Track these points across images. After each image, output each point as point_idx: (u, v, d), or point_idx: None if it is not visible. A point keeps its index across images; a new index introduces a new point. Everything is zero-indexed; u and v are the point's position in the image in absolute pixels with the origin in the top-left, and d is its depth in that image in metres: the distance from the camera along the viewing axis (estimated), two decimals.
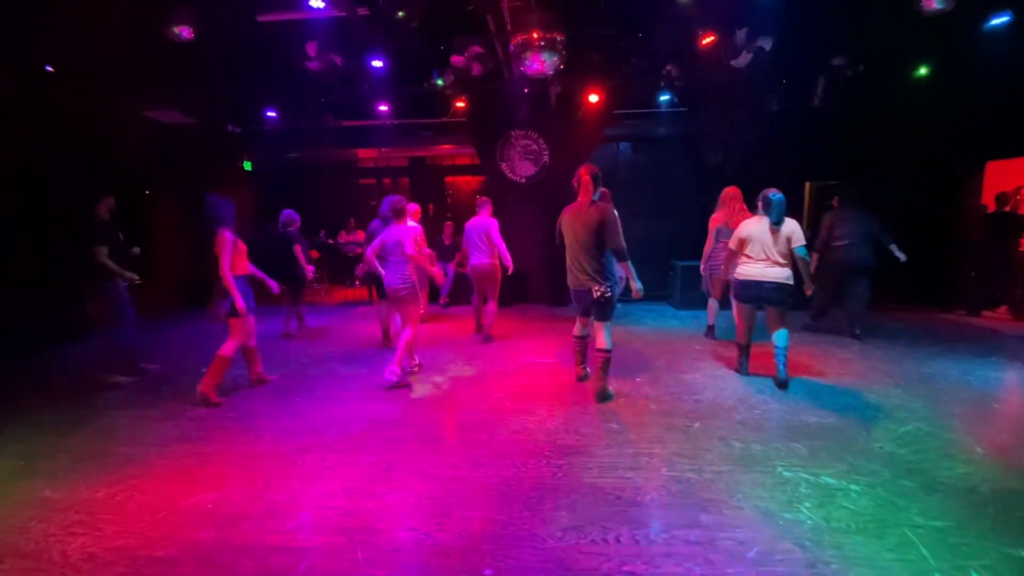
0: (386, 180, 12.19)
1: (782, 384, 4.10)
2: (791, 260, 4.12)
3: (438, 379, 4.51)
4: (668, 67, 6.51)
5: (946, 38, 5.85)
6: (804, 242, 4.09)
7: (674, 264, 7.49)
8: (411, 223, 4.75)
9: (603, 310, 3.85)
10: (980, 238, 6.79)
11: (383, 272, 4.47)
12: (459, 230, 8.51)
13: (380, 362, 5.02)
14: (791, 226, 4.09)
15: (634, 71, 6.46)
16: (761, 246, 4.11)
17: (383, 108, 7.71)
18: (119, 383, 4.49)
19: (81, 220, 4.88)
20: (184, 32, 4.88)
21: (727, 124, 7.01)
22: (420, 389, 4.26)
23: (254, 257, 4.32)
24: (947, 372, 4.46)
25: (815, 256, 5.58)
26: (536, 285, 8.10)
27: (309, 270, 6.25)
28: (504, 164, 8.01)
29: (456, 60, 5.86)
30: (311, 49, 5.63)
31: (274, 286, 4.48)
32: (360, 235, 9.72)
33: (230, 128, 8.19)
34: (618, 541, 2.23)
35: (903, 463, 2.86)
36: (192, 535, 2.32)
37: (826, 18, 5.58)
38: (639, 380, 4.36)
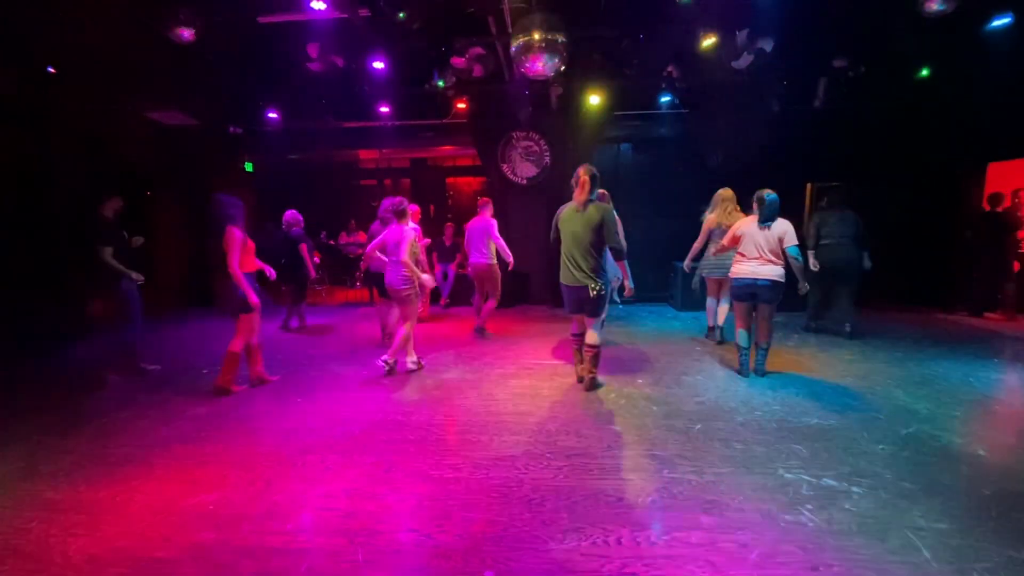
0: (387, 181, 12.21)
1: (762, 373, 4.39)
2: (784, 259, 4.24)
3: (439, 380, 4.50)
4: (669, 68, 6.50)
5: (948, 39, 5.85)
6: (796, 242, 4.20)
7: (675, 265, 7.49)
8: (412, 225, 4.80)
9: (596, 307, 3.98)
10: (974, 238, 6.81)
11: (385, 270, 4.56)
12: (460, 231, 8.56)
13: (379, 364, 5.02)
14: (784, 226, 4.21)
15: (635, 72, 6.46)
16: (755, 244, 4.24)
17: (384, 109, 7.72)
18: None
19: (84, 220, 4.94)
20: (185, 33, 4.89)
21: (728, 125, 7.01)
22: (421, 390, 4.25)
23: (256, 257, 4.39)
24: (949, 374, 4.45)
25: (810, 254, 5.72)
26: (537, 286, 8.10)
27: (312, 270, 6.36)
28: (505, 165, 8.01)
29: (457, 61, 5.87)
30: (312, 50, 5.63)
31: (271, 272, 4.55)
32: (361, 236, 9.73)
33: (231, 129, 8.19)
34: (619, 543, 2.22)
35: (905, 465, 2.85)
36: (193, 536, 2.32)
37: (827, 19, 5.58)
38: (640, 382, 4.36)
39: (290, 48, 5.76)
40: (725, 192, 5.30)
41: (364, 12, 5.17)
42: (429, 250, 7.11)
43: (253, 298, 4.04)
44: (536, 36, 4.61)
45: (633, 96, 7.30)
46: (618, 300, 5.78)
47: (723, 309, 5.48)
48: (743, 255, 4.31)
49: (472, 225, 6.00)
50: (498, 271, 6.01)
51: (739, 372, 4.50)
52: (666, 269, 7.76)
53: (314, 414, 3.75)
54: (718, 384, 4.27)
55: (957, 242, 7.15)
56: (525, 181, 7.97)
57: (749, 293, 4.31)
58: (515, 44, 4.81)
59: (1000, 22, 5.52)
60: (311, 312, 7.40)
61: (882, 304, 7.48)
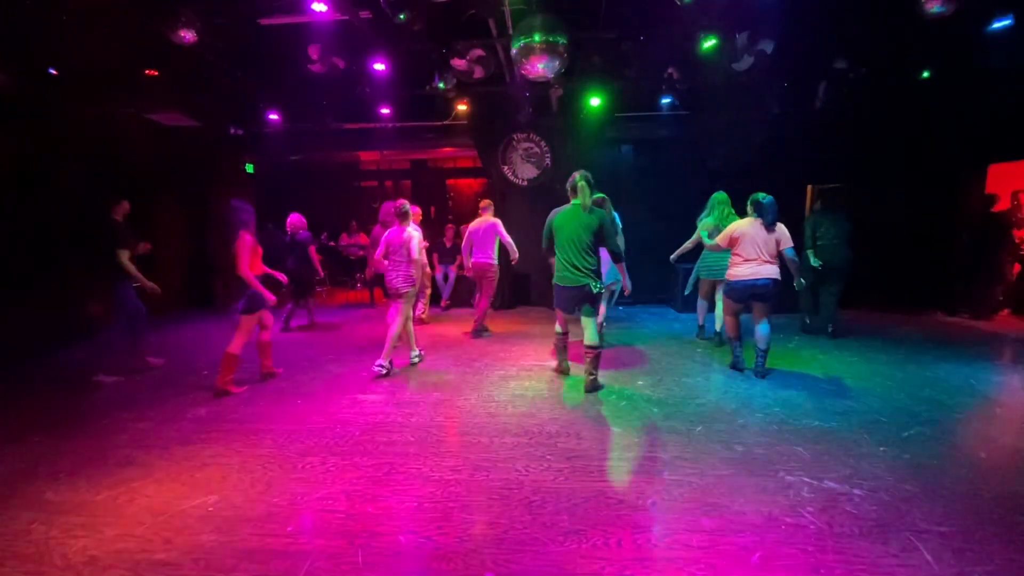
0: (388, 183, 12.22)
1: (763, 374, 4.42)
2: (779, 260, 4.41)
3: (439, 382, 4.50)
4: (670, 70, 6.51)
5: (949, 41, 5.85)
6: (792, 244, 4.38)
7: (676, 267, 7.48)
8: (414, 227, 4.85)
9: (594, 306, 4.19)
10: (972, 240, 6.82)
11: (387, 272, 4.69)
12: (460, 233, 8.57)
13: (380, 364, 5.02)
14: (782, 228, 4.38)
15: (635, 74, 6.45)
16: (754, 246, 4.32)
17: (385, 111, 7.73)
18: (104, 382, 4.58)
19: (84, 221, 4.98)
20: (187, 35, 4.90)
21: (729, 127, 7.01)
22: (421, 392, 4.25)
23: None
24: (950, 376, 4.45)
25: (810, 253, 5.88)
26: (537, 287, 8.10)
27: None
28: (506, 167, 8.02)
29: (458, 63, 5.87)
30: (313, 52, 5.64)
31: (283, 278, 4.68)
32: (362, 237, 9.74)
33: (232, 130, 8.20)
34: (619, 545, 2.22)
35: (906, 467, 2.85)
36: (193, 538, 2.32)
37: (828, 21, 5.58)
38: (641, 383, 4.35)
39: (291, 50, 5.76)
40: (720, 195, 5.38)
41: (365, 14, 5.18)
42: (429, 252, 7.15)
43: (270, 296, 4.26)
44: (536, 38, 4.62)
45: (633, 98, 7.30)
46: (618, 304, 5.85)
47: (719, 314, 5.49)
48: (741, 256, 4.37)
49: (476, 227, 6.13)
50: (497, 272, 6.19)
51: (735, 366, 4.59)
52: (667, 271, 7.76)
53: (314, 416, 3.75)
54: (719, 386, 4.26)
55: (956, 244, 7.15)
56: (526, 182, 7.98)
57: (749, 294, 4.38)
58: (515, 46, 4.81)
59: (1000, 24, 5.52)
60: (303, 318, 7.40)
61: (883, 306, 7.47)
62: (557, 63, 4.77)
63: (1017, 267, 6.83)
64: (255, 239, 4.25)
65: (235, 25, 5.49)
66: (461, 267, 8.19)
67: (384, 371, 4.62)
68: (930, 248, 7.36)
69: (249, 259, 4.15)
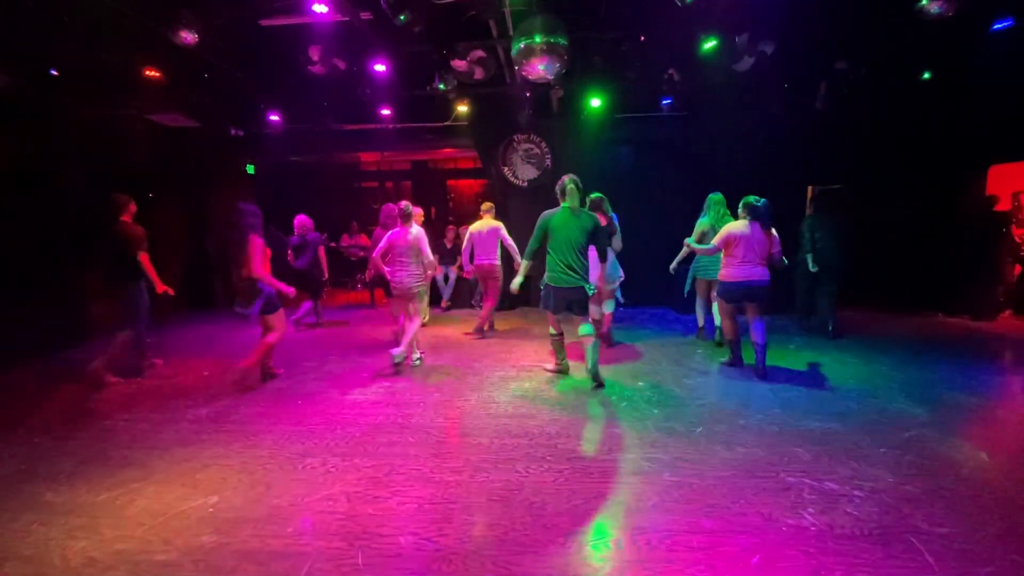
0: (388, 184, 12.23)
1: (763, 374, 4.44)
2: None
3: (439, 383, 4.50)
4: (670, 71, 6.50)
5: (949, 42, 5.85)
6: (780, 247, 4.55)
7: (678, 268, 7.47)
8: (418, 228, 4.96)
9: (587, 305, 4.37)
10: (971, 240, 6.82)
11: (394, 271, 4.79)
12: (460, 234, 8.57)
13: (381, 366, 5.03)
14: (773, 232, 4.49)
15: (636, 75, 6.45)
16: (748, 248, 4.40)
17: (385, 112, 7.73)
18: (111, 381, 4.60)
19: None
20: (187, 36, 4.90)
21: (729, 128, 7.01)
22: (421, 393, 4.25)
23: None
24: (951, 377, 4.44)
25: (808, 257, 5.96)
26: (538, 289, 8.08)
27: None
28: (506, 168, 8.02)
29: (458, 64, 5.87)
30: (314, 53, 5.64)
31: (290, 291, 4.67)
32: (363, 239, 9.74)
33: (233, 131, 8.20)
34: (620, 547, 2.22)
35: (907, 469, 2.84)
36: (192, 539, 2.32)
37: (828, 22, 5.58)
38: (641, 384, 4.35)
39: (292, 51, 5.77)
40: (716, 196, 5.43)
41: (366, 15, 5.19)
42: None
43: (287, 289, 4.46)
44: (537, 39, 4.62)
45: (634, 99, 7.30)
46: (620, 305, 5.88)
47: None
48: (736, 258, 4.45)
49: (479, 230, 6.25)
50: (502, 273, 6.31)
51: (732, 364, 4.67)
52: (667, 272, 7.74)
53: (314, 417, 3.75)
54: (719, 387, 4.26)
55: (960, 244, 7.14)
56: (526, 183, 7.98)
57: (743, 295, 4.48)
58: (516, 47, 4.82)
59: (1001, 25, 5.52)
60: (309, 317, 7.41)
61: (884, 307, 7.47)
62: (557, 64, 4.77)
63: (1018, 268, 6.82)
64: (264, 241, 4.35)
65: (236, 26, 5.50)
66: (461, 268, 8.20)
67: (398, 361, 4.74)
68: (931, 249, 7.35)
69: (261, 260, 4.27)
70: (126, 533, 2.38)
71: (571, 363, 4.70)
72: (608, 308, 5.77)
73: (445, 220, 10.69)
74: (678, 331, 6.44)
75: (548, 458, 3.03)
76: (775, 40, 5.37)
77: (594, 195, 5.64)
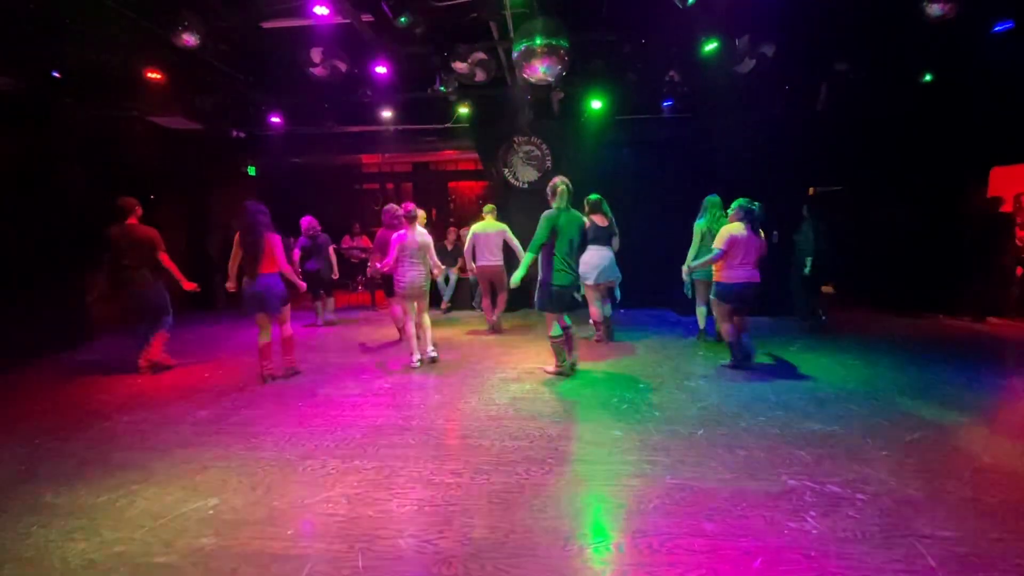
0: (389, 185, 12.24)
1: (750, 368, 4.71)
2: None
3: (440, 384, 4.50)
4: (671, 73, 6.51)
5: (950, 44, 5.85)
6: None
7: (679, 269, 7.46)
8: (422, 229, 5.06)
9: (578, 305, 4.60)
10: (974, 242, 6.80)
11: (403, 272, 4.88)
12: (460, 236, 8.58)
13: (381, 368, 5.03)
14: (760, 234, 4.61)
15: (637, 77, 6.47)
16: (746, 251, 4.53)
17: (387, 114, 7.75)
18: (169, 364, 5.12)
19: (89, 225, 5.17)
20: (189, 39, 4.92)
21: (730, 130, 7.01)
22: (421, 395, 4.25)
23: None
24: (953, 379, 4.42)
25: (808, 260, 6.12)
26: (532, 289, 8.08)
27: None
28: (507, 169, 8.02)
29: (459, 66, 5.88)
30: (315, 55, 5.65)
31: (303, 286, 5.07)
32: (364, 241, 9.75)
33: (234, 133, 8.23)
34: (620, 550, 2.21)
35: (910, 472, 2.83)
36: (192, 542, 2.31)
37: (829, 24, 5.58)
38: (642, 386, 4.34)
39: (293, 53, 5.78)
40: (713, 198, 5.47)
41: (367, 17, 5.20)
42: None
43: (302, 284, 4.93)
44: (538, 41, 4.63)
45: (635, 101, 7.30)
46: (620, 308, 5.92)
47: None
48: (737, 259, 4.55)
49: (484, 232, 6.35)
50: (506, 274, 6.41)
51: (734, 366, 4.73)
52: (667, 273, 7.74)
53: (315, 419, 3.74)
54: (720, 389, 4.25)
55: (961, 245, 7.13)
56: (527, 185, 7.99)
57: (741, 297, 4.60)
58: (517, 49, 4.82)
59: (1002, 28, 5.51)
60: (311, 317, 7.42)
61: (885, 308, 7.46)
62: (558, 66, 4.78)
63: (1020, 270, 6.80)
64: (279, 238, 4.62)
65: (237, 28, 5.51)
66: (462, 269, 8.20)
67: (418, 363, 4.99)
68: (931, 250, 7.34)
69: (269, 257, 4.50)
70: (126, 535, 2.37)
71: (571, 363, 4.70)
72: (608, 311, 5.81)
73: (446, 222, 10.69)
74: (679, 333, 6.43)
75: (549, 460, 3.03)
76: (775, 42, 5.37)
77: (593, 196, 5.69)
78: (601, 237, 5.58)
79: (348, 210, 11.19)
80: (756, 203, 4.60)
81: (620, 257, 5.86)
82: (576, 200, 4.62)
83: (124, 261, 4.78)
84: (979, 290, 6.85)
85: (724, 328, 4.79)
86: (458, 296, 8.19)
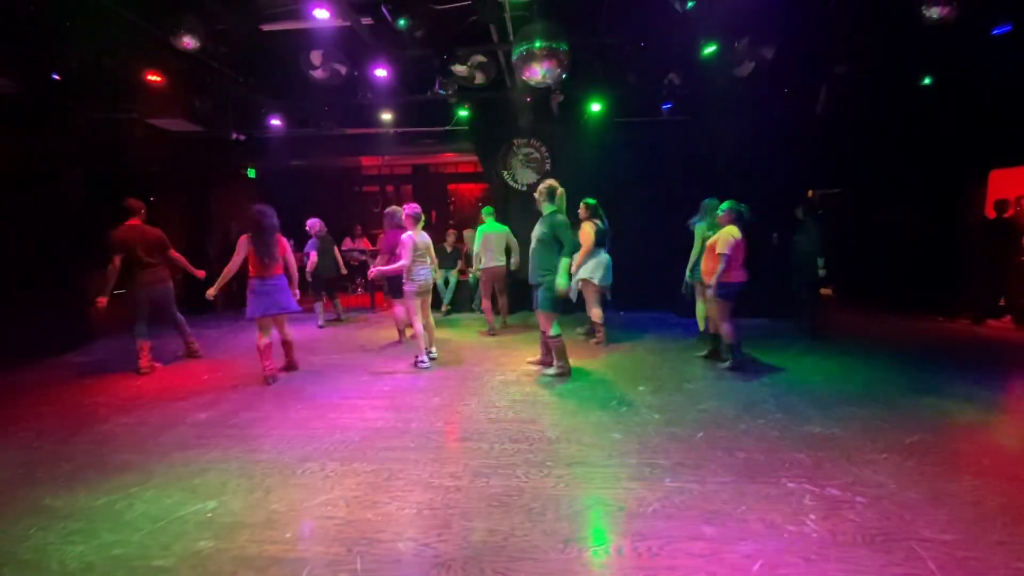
0: (389, 187, 12.25)
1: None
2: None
3: (439, 387, 4.49)
4: (670, 76, 6.52)
5: (950, 47, 5.86)
6: None
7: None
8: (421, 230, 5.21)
9: (571, 302, 5.02)
10: (980, 246, 6.78)
11: (416, 272, 4.99)
12: (461, 237, 8.59)
13: (381, 370, 5.03)
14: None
15: (636, 80, 6.48)
16: (743, 252, 4.69)
17: (386, 116, 7.77)
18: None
19: (89, 227, 5.40)
20: (189, 41, 4.93)
21: (730, 132, 7.01)
22: (421, 397, 4.24)
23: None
24: (952, 382, 4.42)
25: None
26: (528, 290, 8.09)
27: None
28: (506, 172, 8.03)
29: (459, 69, 5.89)
30: (315, 58, 5.66)
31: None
32: (365, 243, 9.76)
33: (234, 136, 8.23)
34: (620, 553, 2.20)
35: (909, 475, 2.83)
36: (191, 545, 2.31)
37: (828, 27, 5.59)
38: (641, 389, 4.34)
39: (293, 56, 5.79)
40: (712, 201, 5.46)
41: (367, 20, 5.20)
42: None
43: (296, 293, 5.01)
44: (537, 44, 4.64)
45: (634, 103, 7.31)
46: (621, 310, 5.96)
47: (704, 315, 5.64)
48: (738, 261, 4.68)
49: (491, 234, 6.53)
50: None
51: (734, 368, 4.79)
52: (667, 276, 7.73)
53: (314, 421, 3.74)
54: (720, 391, 4.25)
55: (960, 249, 7.13)
56: (526, 188, 7.99)
57: (740, 295, 4.76)
58: (517, 52, 4.83)
59: (1001, 31, 5.52)
60: (311, 318, 7.42)
61: (884, 310, 7.46)
62: (558, 69, 4.78)
63: None
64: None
65: (237, 31, 5.52)
66: (462, 271, 8.21)
67: (427, 364, 5.06)
68: (931, 253, 7.35)
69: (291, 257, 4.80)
70: (124, 538, 2.37)
71: (572, 366, 4.71)
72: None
73: (446, 224, 10.70)
74: (679, 335, 6.42)
75: (548, 463, 3.02)
76: (775, 44, 5.38)
77: (591, 200, 5.75)
78: (602, 240, 5.67)
79: (348, 212, 11.20)
80: (743, 205, 4.76)
81: (620, 259, 5.89)
82: (571, 203, 4.73)
83: (143, 259, 4.96)
84: (981, 293, 6.85)
85: (726, 329, 4.80)
86: (458, 298, 8.18)
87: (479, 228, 6.60)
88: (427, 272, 5.08)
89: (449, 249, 8.29)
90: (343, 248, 9.65)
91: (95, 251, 6.50)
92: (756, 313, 6.22)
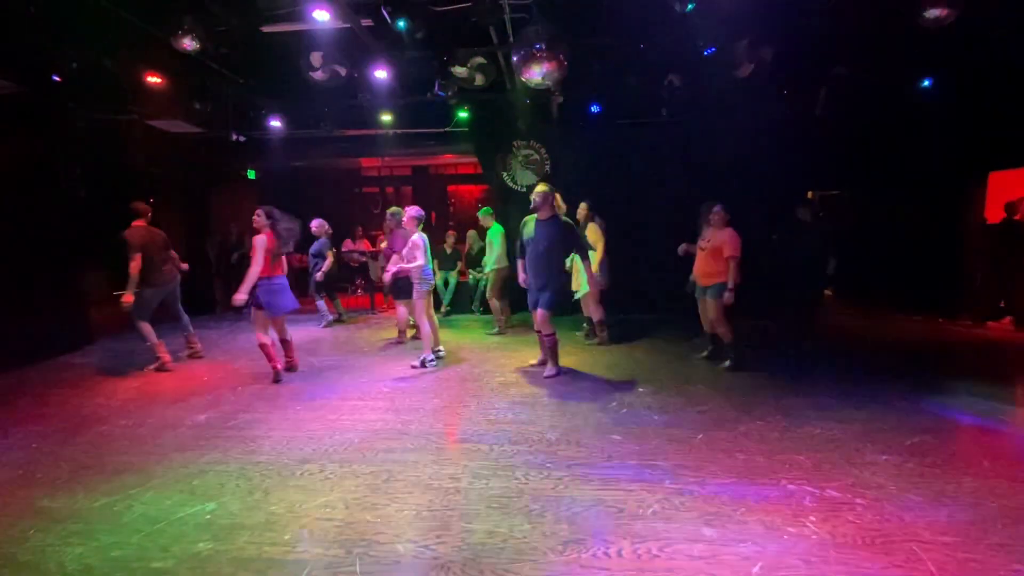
0: (389, 189, 12.26)
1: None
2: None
3: (438, 388, 4.49)
4: (670, 77, 6.53)
5: (950, 48, 5.86)
6: None
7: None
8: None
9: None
10: (988, 248, 6.76)
11: (425, 271, 5.08)
12: (460, 239, 8.59)
13: (380, 371, 5.02)
14: None
15: (636, 81, 6.49)
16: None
17: (386, 118, 7.78)
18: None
19: (89, 228, 5.41)
20: (188, 43, 4.94)
21: (729, 134, 7.02)
22: (420, 399, 4.24)
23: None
24: (952, 383, 4.42)
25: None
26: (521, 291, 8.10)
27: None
28: (506, 173, 8.04)
29: (458, 71, 5.90)
30: (315, 59, 5.66)
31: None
32: (366, 244, 9.76)
33: (234, 137, 8.24)
34: (620, 555, 2.20)
35: (909, 476, 2.82)
36: (189, 546, 2.30)
37: (828, 28, 5.60)
38: (641, 391, 4.34)
39: (293, 57, 5.80)
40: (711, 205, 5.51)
41: (367, 22, 5.21)
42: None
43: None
44: (537, 46, 4.64)
45: (634, 105, 7.32)
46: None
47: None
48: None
49: (504, 233, 6.74)
50: None
51: (734, 369, 4.80)
52: (667, 276, 7.72)
53: (313, 422, 3.74)
54: (720, 393, 4.24)
55: (960, 251, 7.12)
56: (525, 189, 7.99)
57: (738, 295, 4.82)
58: (516, 54, 4.84)
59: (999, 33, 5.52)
60: (311, 320, 7.43)
61: (884, 312, 7.46)
62: (557, 71, 4.79)
63: None
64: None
65: (238, 33, 5.53)
66: (462, 272, 8.22)
67: (436, 363, 5.15)
68: (931, 255, 7.35)
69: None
70: (123, 540, 2.36)
71: (564, 366, 4.72)
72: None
73: (445, 225, 10.70)
74: (679, 336, 6.41)
75: (548, 465, 3.02)
76: (774, 46, 5.38)
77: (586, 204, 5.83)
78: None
79: (348, 213, 11.20)
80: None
81: (620, 260, 5.92)
82: (571, 208, 4.77)
83: (155, 258, 5.08)
84: (980, 295, 6.84)
85: (727, 329, 4.80)
86: (457, 299, 8.18)
87: (497, 228, 6.74)
88: (430, 270, 5.21)
89: (449, 250, 8.29)
90: (344, 249, 9.66)
91: (95, 252, 6.53)
92: (756, 314, 6.21)
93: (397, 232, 5.77)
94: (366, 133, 8.48)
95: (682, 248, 5.17)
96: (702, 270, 4.85)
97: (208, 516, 2.54)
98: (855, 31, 5.66)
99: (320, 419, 3.80)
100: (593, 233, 5.66)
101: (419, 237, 5.02)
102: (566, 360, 5.13)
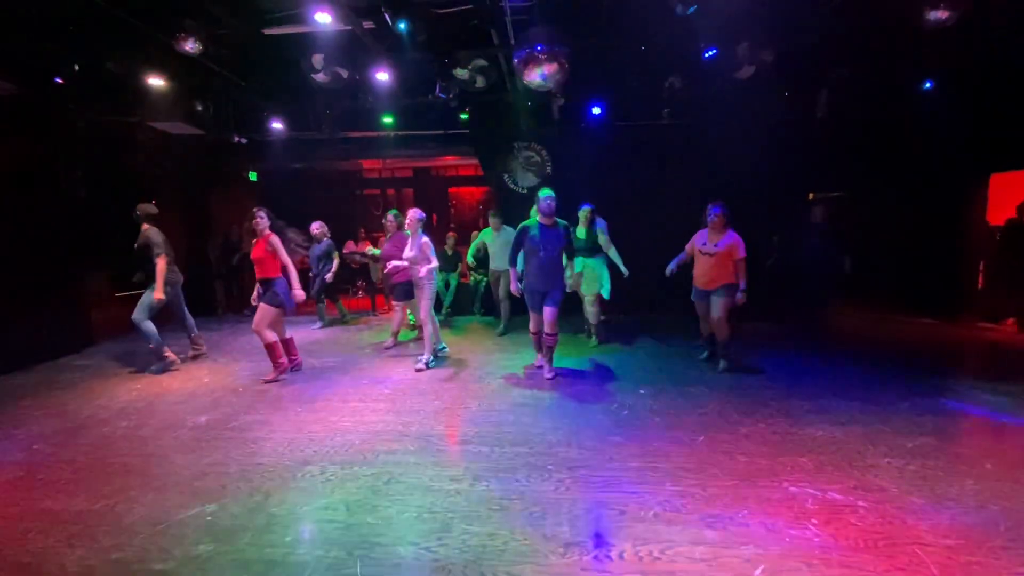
0: (390, 190, 12.28)
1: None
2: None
3: (439, 390, 4.48)
4: (670, 79, 6.54)
5: (949, 49, 5.86)
6: None
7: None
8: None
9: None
10: (995, 249, 6.75)
11: (429, 272, 5.07)
12: (461, 240, 8.60)
13: (381, 372, 5.02)
14: None
15: (636, 83, 6.50)
16: None
17: (387, 119, 7.79)
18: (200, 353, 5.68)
19: (90, 229, 5.53)
20: (190, 45, 4.95)
21: (730, 136, 7.02)
22: (421, 400, 4.23)
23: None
24: (954, 385, 4.41)
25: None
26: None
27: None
28: (507, 175, 8.05)
29: (460, 73, 5.91)
30: (317, 61, 5.68)
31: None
32: (367, 246, 9.76)
33: (235, 139, 8.26)
34: (621, 557, 2.19)
35: (911, 479, 2.82)
36: (190, 548, 2.30)
37: (829, 30, 5.60)
38: (642, 392, 4.33)
39: (294, 59, 5.81)
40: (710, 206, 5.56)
41: (368, 24, 5.22)
42: None
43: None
44: (538, 48, 4.65)
45: (635, 107, 7.33)
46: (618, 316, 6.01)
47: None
48: None
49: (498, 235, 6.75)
50: None
51: (734, 368, 4.85)
52: (668, 278, 7.72)
53: (314, 424, 3.73)
54: (721, 395, 4.24)
55: (961, 252, 7.11)
56: (526, 191, 8.00)
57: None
58: (517, 56, 4.84)
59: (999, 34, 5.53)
60: (310, 321, 7.43)
61: (884, 313, 7.44)
62: (558, 73, 4.80)
63: None
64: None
65: (239, 35, 5.54)
66: (462, 274, 8.21)
67: (444, 356, 5.33)
68: (932, 256, 7.34)
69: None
70: (124, 541, 2.36)
71: (564, 367, 4.71)
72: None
73: (446, 227, 10.71)
74: (680, 338, 6.40)
75: (549, 467, 3.01)
76: (775, 48, 5.39)
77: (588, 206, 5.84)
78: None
79: (349, 215, 11.21)
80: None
81: (620, 260, 5.95)
82: (571, 209, 4.78)
83: (172, 257, 5.20)
84: (982, 296, 6.83)
85: (728, 330, 4.80)
86: (458, 301, 8.18)
87: (503, 229, 6.80)
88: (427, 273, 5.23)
89: (450, 252, 8.29)
90: (345, 251, 9.66)
91: (96, 254, 6.53)
92: (756, 315, 6.21)
93: (398, 234, 5.78)
94: (367, 135, 8.49)
95: (670, 270, 5.09)
96: (709, 275, 4.80)
97: (209, 518, 2.54)
98: (856, 33, 5.67)
99: (321, 421, 3.80)
100: (602, 235, 5.71)
101: (426, 239, 5.06)
102: (567, 361, 5.13)
